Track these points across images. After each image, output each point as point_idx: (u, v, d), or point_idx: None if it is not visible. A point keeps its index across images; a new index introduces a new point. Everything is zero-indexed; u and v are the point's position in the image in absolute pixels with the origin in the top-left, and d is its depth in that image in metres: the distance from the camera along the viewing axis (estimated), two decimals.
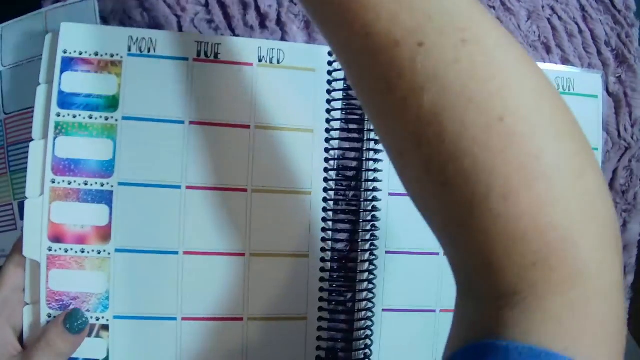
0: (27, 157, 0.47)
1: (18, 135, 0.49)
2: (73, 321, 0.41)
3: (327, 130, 0.46)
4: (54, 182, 0.42)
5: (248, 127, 0.45)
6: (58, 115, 0.43)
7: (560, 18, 0.53)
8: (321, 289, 0.46)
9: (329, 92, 0.46)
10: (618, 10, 0.55)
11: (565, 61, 0.52)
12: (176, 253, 0.44)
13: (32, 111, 0.49)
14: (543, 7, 0.53)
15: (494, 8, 0.52)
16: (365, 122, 0.47)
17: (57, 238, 0.42)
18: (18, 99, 0.50)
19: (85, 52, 0.43)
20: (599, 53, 0.53)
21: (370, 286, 0.47)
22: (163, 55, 0.44)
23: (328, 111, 0.46)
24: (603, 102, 0.51)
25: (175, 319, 0.44)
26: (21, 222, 0.48)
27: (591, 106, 0.51)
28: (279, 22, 0.49)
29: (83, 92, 0.43)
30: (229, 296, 0.45)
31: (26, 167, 0.47)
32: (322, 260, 0.46)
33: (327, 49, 0.47)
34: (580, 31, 0.53)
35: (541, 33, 0.53)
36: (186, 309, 0.44)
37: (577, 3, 0.54)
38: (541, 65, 0.51)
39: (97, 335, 0.43)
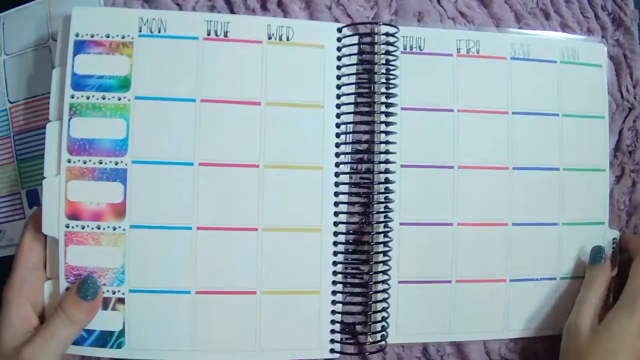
0: (33, 146, 0.49)
1: (24, 124, 0.50)
2: (86, 288, 0.42)
3: (338, 106, 0.47)
4: (69, 162, 0.44)
5: (259, 103, 0.46)
6: (72, 97, 0.44)
7: None
8: (334, 263, 0.46)
9: (338, 67, 0.47)
10: None
11: (564, 26, 0.53)
12: (189, 228, 0.45)
13: (38, 99, 0.50)
14: None
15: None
16: (375, 94, 0.47)
17: (74, 215, 0.43)
18: (23, 87, 0.51)
19: (97, 35, 0.44)
20: (597, 17, 0.54)
21: (386, 258, 0.47)
22: (173, 35, 0.45)
23: (338, 87, 0.47)
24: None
25: (189, 292, 0.44)
26: (29, 210, 0.50)
27: (595, 75, 0.51)
28: (280, 3, 0.49)
29: (96, 74, 0.44)
30: (242, 270, 0.45)
31: (33, 156, 0.49)
32: (335, 234, 0.46)
33: (336, 25, 0.47)
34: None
35: (539, 0, 0.53)
36: (200, 283, 0.45)
37: None
38: (546, 33, 0.52)
39: (114, 308, 0.44)
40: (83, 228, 0.44)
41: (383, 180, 0.47)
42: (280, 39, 0.46)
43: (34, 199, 0.50)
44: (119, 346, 0.44)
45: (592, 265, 0.49)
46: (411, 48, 0.48)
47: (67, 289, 0.43)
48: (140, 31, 0.45)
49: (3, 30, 0.52)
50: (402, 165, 0.48)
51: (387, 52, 0.47)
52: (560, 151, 0.50)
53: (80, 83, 0.44)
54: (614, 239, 0.51)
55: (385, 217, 0.47)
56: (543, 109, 0.50)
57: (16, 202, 0.51)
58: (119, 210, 0.44)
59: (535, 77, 0.50)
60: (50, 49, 0.51)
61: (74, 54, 0.44)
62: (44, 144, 0.47)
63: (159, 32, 0.45)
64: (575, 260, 0.50)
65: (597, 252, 0.49)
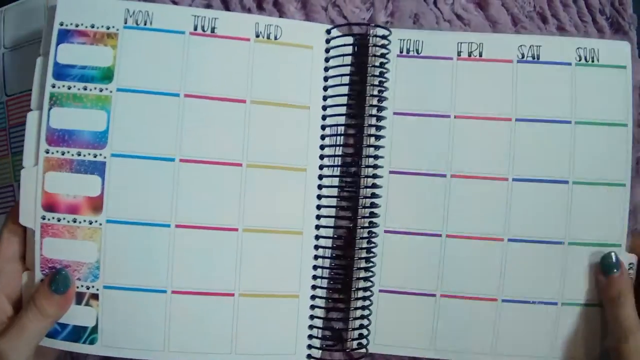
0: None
1: (20, 117, 0.50)
2: (57, 282, 0.41)
3: (324, 108, 0.46)
4: (48, 152, 0.43)
5: (244, 101, 0.45)
6: (53, 86, 0.43)
7: None
8: (315, 267, 0.45)
9: (326, 69, 0.46)
10: None
11: (561, 30, 0.50)
12: (168, 226, 0.44)
13: (21, 95, 0.51)
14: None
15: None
16: (367, 97, 0.46)
17: (50, 207, 0.43)
18: (20, 80, 0.51)
19: (82, 25, 0.43)
20: (594, 21, 0.51)
21: (369, 265, 0.46)
22: (159, 29, 0.44)
23: (325, 88, 0.46)
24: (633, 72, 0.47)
25: (165, 291, 0.44)
26: None
27: (619, 77, 0.46)
28: (276, 3, 0.48)
29: (78, 64, 0.43)
30: (220, 271, 0.44)
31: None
32: (317, 237, 0.45)
33: (325, 26, 0.46)
34: (575, 0, 0.51)
35: (536, 3, 0.51)
36: (177, 283, 0.44)
37: None
38: (560, 38, 0.49)
39: (87, 304, 0.43)
40: (59, 220, 0.43)
41: (370, 185, 0.46)
42: (268, 38, 0.45)
43: None
44: (92, 342, 0.43)
45: (611, 278, 0.45)
46: (408, 51, 0.47)
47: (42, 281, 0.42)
48: (125, 23, 0.44)
49: (3, 23, 0.52)
50: (390, 172, 0.46)
51: (380, 55, 0.46)
52: (571, 162, 0.46)
53: (62, 73, 0.43)
54: (630, 264, 0.45)
55: (370, 223, 0.46)
56: (552, 116, 0.46)
57: (9, 194, 0.51)
58: (96, 204, 0.43)
59: (544, 81, 0.46)
60: None
61: (57, 43, 0.43)
62: None
63: (145, 24, 0.44)
64: (581, 286, 0.46)
65: (608, 259, 0.45)
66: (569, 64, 0.47)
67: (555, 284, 0.46)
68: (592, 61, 0.47)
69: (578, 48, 0.47)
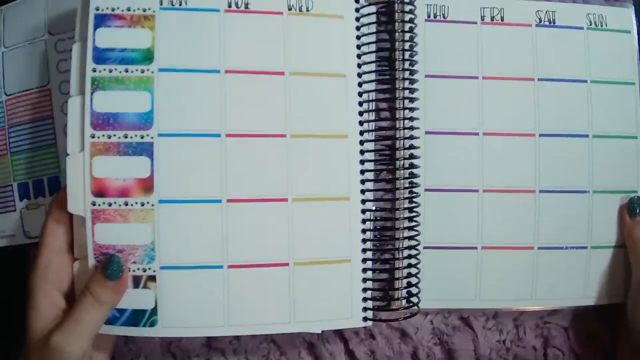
0: (27, 138, 0.49)
1: (19, 117, 0.50)
2: (111, 268, 0.41)
3: (359, 75, 0.47)
4: (93, 137, 0.42)
5: (283, 74, 0.45)
6: (94, 70, 0.43)
7: None
8: (363, 231, 0.46)
9: (358, 37, 0.47)
10: None
11: None
12: (219, 201, 0.44)
13: (33, 93, 0.50)
14: None
15: None
16: (397, 61, 0.47)
17: (100, 192, 0.42)
18: (19, 80, 0.51)
19: (118, 8, 0.44)
20: None
21: (413, 223, 0.47)
22: (195, 8, 0.45)
23: (358, 56, 0.47)
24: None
25: (221, 267, 0.44)
26: (20, 203, 0.50)
27: (625, 41, 0.51)
28: None
29: (118, 47, 0.43)
30: (273, 242, 0.45)
31: (26, 148, 0.48)
32: (363, 202, 0.46)
33: None
34: None
35: None
36: (232, 257, 0.44)
37: None
38: (571, 5, 0.52)
39: (145, 286, 0.43)
40: (110, 205, 0.42)
41: (407, 147, 0.47)
42: (300, 10, 0.46)
43: (25, 191, 0.50)
44: (152, 324, 0.43)
45: (636, 219, 0.48)
46: (435, 16, 0.49)
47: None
48: (161, 4, 0.44)
49: (3, 22, 0.51)
50: (426, 132, 0.48)
51: (408, 20, 0.48)
52: (590, 118, 0.50)
53: (102, 57, 0.43)
54: None
55: (410, 183, 0.47)
56: (570, 76, 0.50)
57: (8, 194, 0.50)
58: (147, 185, 0.43)
59: (561, 45, 0.50)
60: (46, 42, 0.51)
61: (95, 28, 0.43)
62: (37, 137, 0.47)
63: (180, 4, 0.44)
64: (607, 229, 0.50)
65: (635, 202, 0.49)
66: (582, 28, 0.51)
67: (583, 229, 0.49)
68: (601, 26, 0.51)
69: (588, 14, 0.51)
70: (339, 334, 0.50)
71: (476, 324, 0.52)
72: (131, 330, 0.43)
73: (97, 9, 0.43)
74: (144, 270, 0.43)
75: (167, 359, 0.47)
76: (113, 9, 0.43)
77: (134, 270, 0.43)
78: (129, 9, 0.44)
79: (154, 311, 0.43)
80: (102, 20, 0.43)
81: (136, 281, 0.43)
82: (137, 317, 0.43)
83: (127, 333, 0.43)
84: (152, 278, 0.43)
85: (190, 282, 0.43)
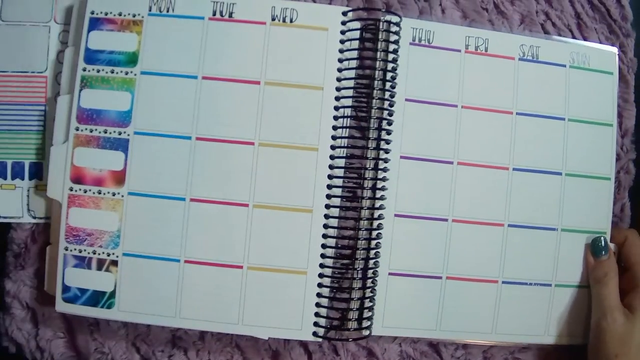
0: (16, 119, 0.50)
1: (10, 96, 0.50)
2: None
3: (338, 89, 0.47)
4: (77, 130, 0.47)
5: (258, 83, 0.47)
6: (84, 69, 0.47)
7: (554, 24, 0.53)
8: (323, 246, 0.47)
9: (340, 51, 0.47)
10: (614, 20, 0.53)
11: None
12: (183, 199, 0.46)
13: (30, 76, 0.50)
14: (537, 12, 0.53)
15: (486, 10, 0.52)
16: (376, 81, 0.47)
17: (78, 179, 0.46)
18: (13, 59, 0.50)
19: (110, 13, 0.47)
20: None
21: (376, 248, 0.47)
22: (181, 15, 0.47)
23: (339, 70, 0.47)
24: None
25: (178, 260, 0.46)
26: None
27: (606, 82, 0.50)
28: None
29: (107, 49, 0.47)
30: (230, 243, 0.46)
31: (14, 129, 0.50)
32: (326, 216, 0.47)
33: (341, 8, 0.48)
34: (574, 39, 0.52)
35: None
36: (189, 252, 0.46)
37: (572, 10, 0.54)
38: (558, 38, 0.52)
39: (107, 270, 0.46)
40: (85, 192, 0.46)
41: (378, 168, 0.47)
42: (284, 21, 0.47)
43: (1, 170, 0.50)
44: (109, 307, 0.46)
45: (598, 260, 0.48)
46: (420, 40, 0.48)
47: (66, 248, 0.46)
48: (150, 10, 0.47)
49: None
50: (401, 157, 0.47)
51: (392, 41, 0.47)
52: (564, 156, 0.49)
53: (92, 57, 0.47)
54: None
55: (379, 205, 0.47)
56: (549, 112, 0.49)
57: None
58: (119, 178, 0.46)
59: (542, 80, 0.50)
60: (50, 29, 0.50)
61: (89, 30, 0.47)
62: (27, 120, 0.50)
63: (168, 11, 0.47)
64: (572, 268, 0.49)
65: (598, 242, 0.49)
66: (564, 65, 0.50)
67: (549, 266, 0.49)
68: (584, 65, 0.50)
69: (572, 52, 0.50)
70: (304, 345, 0.50)
71: (445, 352, 0.50)
72: (90, 310, 0.46)
73: (93, 12, 0.47)
74: (108, 255, 0.46)
75: (131, 352, 0.50)
76: (106, 13, 0.47)
77: (99, 254, 0.46)
78: (120, 14, 0.47)
79: (112, 294, 0.46)
80: (95, 23, 0.47)
81: (100, 264, 0.46)
82: (96, 298, 0.46)
83: (86, 313, 0.46)
84: (115, 263, 0.46)
85: (148, 271, 0.46)
